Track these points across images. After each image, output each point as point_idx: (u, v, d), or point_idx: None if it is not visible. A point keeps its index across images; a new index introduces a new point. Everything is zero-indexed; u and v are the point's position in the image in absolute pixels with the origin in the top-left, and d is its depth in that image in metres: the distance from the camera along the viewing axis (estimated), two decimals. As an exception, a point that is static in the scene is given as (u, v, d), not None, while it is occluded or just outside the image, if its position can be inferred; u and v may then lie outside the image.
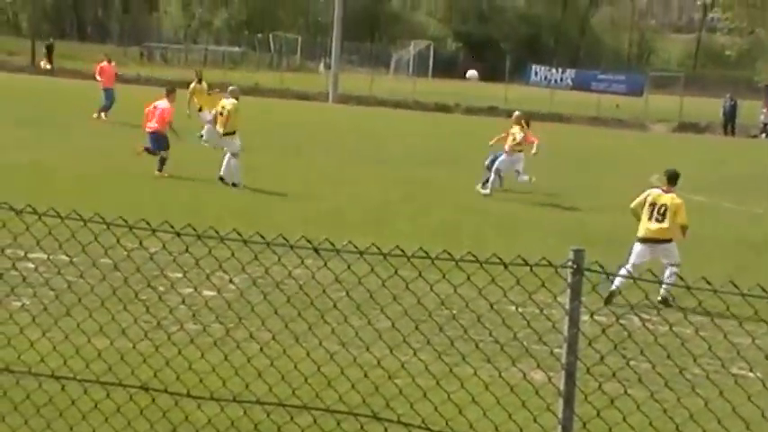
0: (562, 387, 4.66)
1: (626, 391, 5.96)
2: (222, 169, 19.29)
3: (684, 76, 59.90)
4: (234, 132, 19.64)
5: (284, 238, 5.03)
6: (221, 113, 19.88)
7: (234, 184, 18.93)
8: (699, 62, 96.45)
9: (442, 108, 50.99)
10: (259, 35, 76.92)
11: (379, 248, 4.82)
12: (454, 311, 7.69)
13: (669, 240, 11.82)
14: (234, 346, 6.37)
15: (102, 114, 30.69)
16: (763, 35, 60.40)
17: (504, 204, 19.61)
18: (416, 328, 5.82)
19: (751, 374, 7.70)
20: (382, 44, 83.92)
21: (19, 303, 8.00)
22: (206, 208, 15.90)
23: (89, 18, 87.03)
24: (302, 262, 5.36)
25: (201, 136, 24.30)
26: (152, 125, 20.14)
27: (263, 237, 5.05)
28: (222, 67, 57.85)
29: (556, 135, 41.91)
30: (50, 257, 6.22)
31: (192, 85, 27.27)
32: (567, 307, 4.60)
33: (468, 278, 5.08)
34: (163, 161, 19.72)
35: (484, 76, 53.87)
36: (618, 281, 10.71)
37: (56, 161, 20.41)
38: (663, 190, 12.22)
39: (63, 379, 5.57)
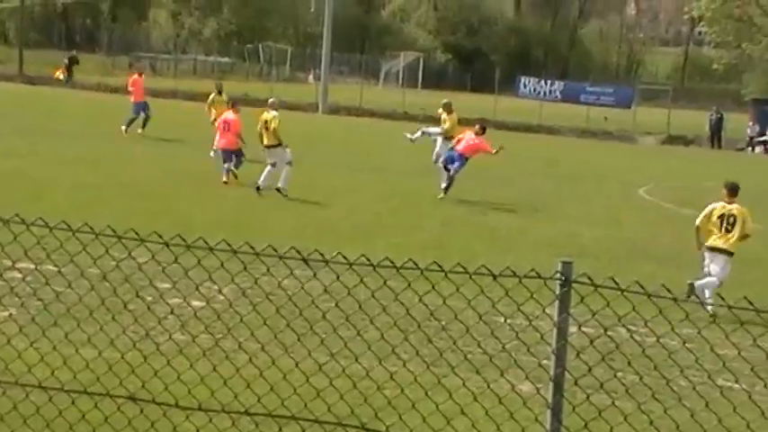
0: (550, 398, 4.68)
1: (613, 403, 5.98)
2: (261, 179, 19.55)
3: (672, 89, 60.20)
4: (280, 144, 20.03)
5: (273, 249, 5.03)
6: (266, 127, 20.13)
7: (278, 189, 19.29)
8: (687, 75, 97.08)
9: (432, 119, 51.02)
10: (249, 45, 76.95)
11: (368, 259, 4.84)
12: (443, 323, 7.70)
13: (731, 254, 12.42)
14: (223, 356, 6.38)
15: (134, 128, 29.54)
16: (749, 50, 60.74)
17: (493, 216, 19.65)
18: (405, 338, 5.84)
19: (737, 386, 7.73)
20: (372, 55, 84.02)
21: (6, 313, 7.98)
22: (195, 218, 15.89)
23: (77, 27, 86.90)
24: (291, 273, 5.37)
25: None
26: (225, 140, 21.08)
27: (252, 247, 5.06)
28: (211, 78, 57.74)
29: (544, 147, 42.06)
30: (38, 267, 6.21)
31: (212, 96, 27.30)
32: (556, 319, 4.62)
33: (458, 289, 5.09)
34: (229, 171, 20.77)
35: (473, 88, 53.96)
36: (707, 293, 11.65)
37: (47, 170, 20.37)
38: (726, 202, 12.66)
39: (50, 390, 5.56)
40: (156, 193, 18.72)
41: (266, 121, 20.23)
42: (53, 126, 30.99)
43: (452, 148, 21.29)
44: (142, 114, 29.84)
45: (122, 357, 6.04)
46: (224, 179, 20.75)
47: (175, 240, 5.02)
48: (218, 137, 21.78)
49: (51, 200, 16.20)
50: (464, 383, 6.07)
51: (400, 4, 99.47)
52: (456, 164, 20.84)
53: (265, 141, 20.21)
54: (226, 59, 76.60)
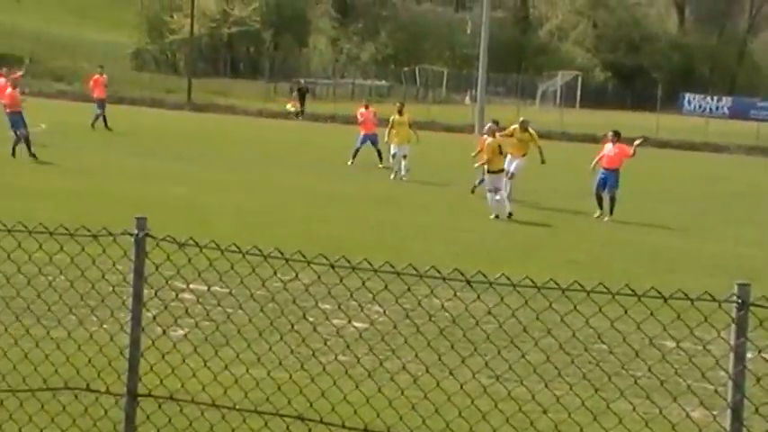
0: (728, 427, 4.50)
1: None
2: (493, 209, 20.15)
3: None
4: (501, 170, 20.54)
5: (437, 270, 5.04)
6: (500, 152, 20.66)
7: (510, 214, 19.93)
8: None
9: (591, 139, 50.30)
10: (405, 69, 77.78)
11: (532, 281, 4.78)
12: (610, 346, 7.54)
13: None
14: (387, 377, 6.41)
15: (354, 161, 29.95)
16: None
17: (654, 236, 19.17)
18: (572, 361, 5.74)
19: None
20: (528, 75, 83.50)
21: (182, 333, 8.26)
22: (355, 241, 16.10)
23: (241, 56, 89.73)
24: (455, 294, 5.36)
25: (399, 173, 26.18)
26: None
27: (415, 269, 5.08)
28: (370, 101, 58.56)
29: (709, 165, 40.78)
30: (210, 289, 6.40)
31: (393, 117, 27.79)
32: (732, 343, 4.45)
33: (626, 312, 4.97)
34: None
35: (634, 106, 52.91)
36: None
37: (212, 197, 21.06)
38: None
39: (223, 408, 5.71)
40: (312, 217, 19.08)
41: (500, 146, 20.55)
42: (219, 153, 32.04)
43: (603, 170, 21.03)
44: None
45: (290, 377, 6.15)
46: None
47: (340, 262, 5.09)
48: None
49: (217, 225, 16.72)
50: (634, 408, 5.91)
51: (558, 23, 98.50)
52: (611, 182, 20.75)
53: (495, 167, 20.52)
54: (383, 83, 77.59)
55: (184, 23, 72.70)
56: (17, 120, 25.35)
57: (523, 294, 5.01)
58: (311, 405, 5.87)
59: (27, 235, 5.30)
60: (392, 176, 26.76)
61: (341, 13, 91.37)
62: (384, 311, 6.77)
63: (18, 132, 25.23)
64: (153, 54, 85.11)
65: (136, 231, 5.22)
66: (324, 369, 6.54)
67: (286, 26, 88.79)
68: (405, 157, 26.96)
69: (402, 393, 6.10)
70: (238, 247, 5.17)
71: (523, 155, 22.42)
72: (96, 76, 37.76)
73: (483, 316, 6.67)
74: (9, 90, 26.36)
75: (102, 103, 36.42)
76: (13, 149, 25.22)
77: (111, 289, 6.50)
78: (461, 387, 5.97)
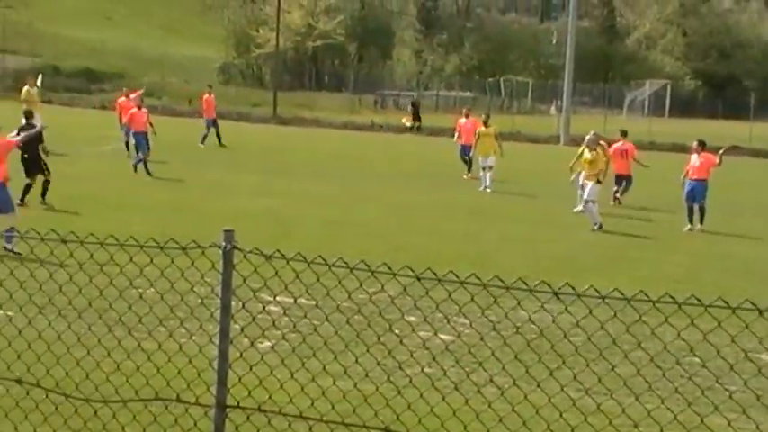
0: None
1: None
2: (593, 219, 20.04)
3: None
4: (599, 181, 20.37)
5: (523, 282, 4.98)
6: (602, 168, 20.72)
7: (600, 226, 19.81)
8: None
9: (680, 149, 49.40)
10: (490, 80, 77.57)
11: (621, 293, 4.70)
12: (703, 359, 7.37)
13: None
14: (474, 390, 6.36)
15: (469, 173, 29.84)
16: None
17: (744, 249, 18.72)
18: (663, 375, 5.62)
19: None
20: (615, 84, 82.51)
21: (269, 345, 8.33)
22: (441, 253, 16.06)
23: (326, 69, 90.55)
24: (542, 306, 5.29)
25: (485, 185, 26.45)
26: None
27: (502, 281, 5.03)
28: (453, 113, 58.44)
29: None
30: (297, 301, 6.44)
31: (479, 129, 27.94)
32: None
33: (719, 324, 4.85)
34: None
35: (725, 115, 51.89)
36: None
37: (296, 209, 21.24)
38: None
39: (310, 420, 5.73)
40: (398, 228, 19.09)
41: (586, 160, 20.48)
42: (304, 166, 32.31)
43: (690, 181, 20.65)
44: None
45: (377, 389, 6.15)
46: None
47: (426, 274, 5.07)
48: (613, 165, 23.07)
49: (300, 237, 16.83)
50: (729, 423, 5.75)
51: (646, 31, 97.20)
52: (699, 192, 20.36)
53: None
54: (467, 94, 77.47)
55: (270, 37, 73.61)
56: (141, 140, 25.87)
57: (612, 306, 4.93)
58: (398, 417, 5.86)
59: (119, 248, 5.40)
60: (481, 188, 26.71)
61: (425, 25, 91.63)
62: (470, 323, 6.73)
63: (140, 153, 25.73)
64: (239, 68, 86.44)
65: (224, 244, 5.28)
66: (410, 381, 6.51)
67: (370, 39, 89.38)
68: (490, 168, 26.87)
69: (489, 406, 6.05)
70: (324, 260, 5.19)
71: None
72: (206, 96, 38.30)
73: (571, 328, 6.59)
74: (134, 110, 26.87)
75: (211, 122, 37.02)
76: (135, 166, 25.68)
77: (199, 301, 6.59)
78: (549, 400, 5.89)
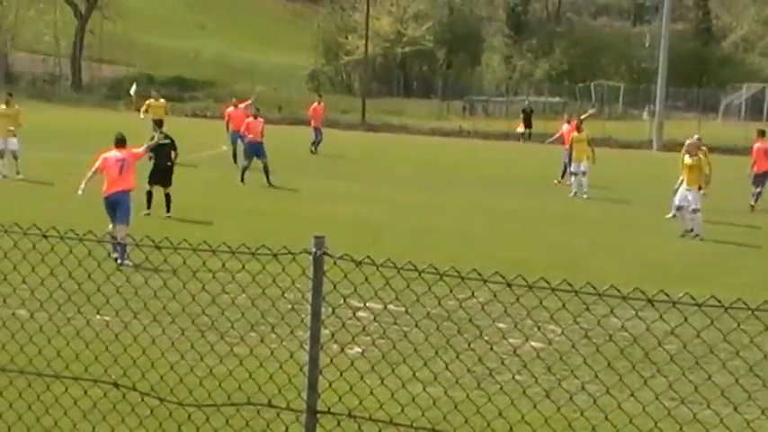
0: None
1: None
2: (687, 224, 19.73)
3: None
4: (700, 188, 19.85)
5: (616, 289, 4.89)
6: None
7: (697, 236, 19.35)
8: None
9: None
10: (580, 84, 76.70)
11: (719, 300, 4.58)
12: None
13: None
14: (566, 397, 6.29)
15: (562, 180, 29.77)
16: None
17: None
18: (763, 385, 5.47)
19: None
20: (710, 88, 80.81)
21: (359, 351, 8.35)
22: (532, 259, 15.93)
23: (414, 75, 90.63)
24: (636, 313, 5.19)
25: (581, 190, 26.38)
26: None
27: (594, 288, 4.95)
28: (543, 118, 57.89)
29: None
30: (387, 307, 6.44)
31: (572, 135, 27.85)
32: None
33: (822, 334, 4.70)
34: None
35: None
36: None
37: (385, 216, 21.28)
38: None
39: (401, 426, 5.72)
40: (488, 234, 18.99)
41: (686, 166, 19.99)
42: (393, 172, 32.38)
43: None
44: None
45: (467, 396, 6.11)
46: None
47: (517, 280, 5.02)
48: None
49: (390, 243, 16.85)
50: (831, 436, 5.59)
51: (743, 33, 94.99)
52: None
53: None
54: (557, 99, 76.71)
55: (359, 44, 74.04)
56: (258, 148, 26.16)
57: (709, 314, 4.81)
58: (488, 425, 5.82)
59: (211, 254, 5.47)
60: (571, 194, 26.43)
61: (514, 30, 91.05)
62: (562, 331, 6.65)
63: (262, 161, 25.98)
64: (328, 75, 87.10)
65: (314, 250, 5.30)
66: (501, 388, 6.47)
67: (459, 45, 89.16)
68: (584, 174, 26.55)
69: (581, 414, 5.96)
70: (414, 266, 5.17)
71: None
72: (315, 105, 38.66)
73: (665, 336, 6.45)
74: (250, 119, 27.18)
75: (316, 131, 37.45)
76: (242, 177, 26.02)
77: (290, 307, 6.64)
78: (644, 409, 5.77)
